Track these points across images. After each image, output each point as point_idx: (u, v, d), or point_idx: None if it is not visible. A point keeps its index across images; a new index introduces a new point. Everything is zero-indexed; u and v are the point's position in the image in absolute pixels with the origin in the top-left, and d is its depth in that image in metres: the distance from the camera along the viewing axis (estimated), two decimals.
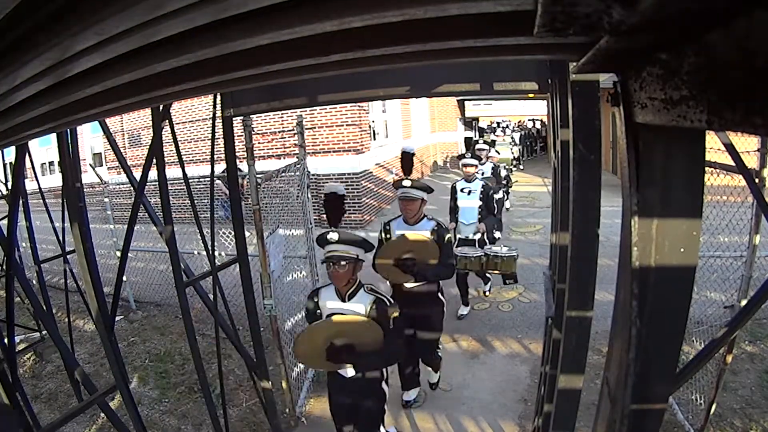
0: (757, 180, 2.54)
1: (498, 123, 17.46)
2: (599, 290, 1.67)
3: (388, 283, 3.40)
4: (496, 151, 8.38)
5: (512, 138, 14.52)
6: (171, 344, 4.88)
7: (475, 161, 5.01)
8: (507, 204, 8.80)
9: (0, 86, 0.98)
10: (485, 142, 7.32)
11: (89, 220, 2.46)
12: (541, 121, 18.76)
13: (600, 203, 1.55)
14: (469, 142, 5.62)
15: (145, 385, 4.16)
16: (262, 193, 3.36)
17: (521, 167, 14.16)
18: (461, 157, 5.09)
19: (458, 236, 4.87)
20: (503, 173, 7.72)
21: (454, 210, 5.05)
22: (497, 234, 7.34)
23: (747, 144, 2.89)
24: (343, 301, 2.37)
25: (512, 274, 3.98)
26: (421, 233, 3.19)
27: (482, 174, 6.38)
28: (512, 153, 13.14)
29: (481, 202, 4.86)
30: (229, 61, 0.93)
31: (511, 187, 9.48)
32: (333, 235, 2.26)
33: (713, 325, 3.21)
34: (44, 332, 4.81)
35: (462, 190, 5.00)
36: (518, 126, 18.66)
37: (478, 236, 4.81)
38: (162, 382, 4.18)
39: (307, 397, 3.73)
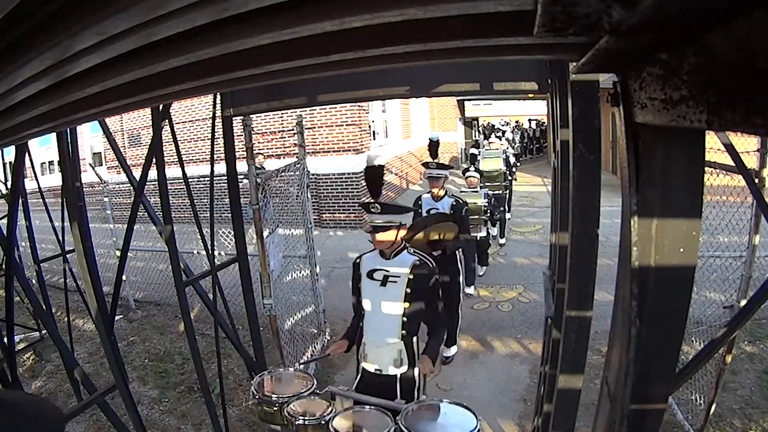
0: (756, 180, 2.55)
1: (493, 126, 14.30)
2: (599, 290, 1.67)
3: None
4: (477, 170, 5.74)
5: (506, 140, 13.41)
6: (171, 344, 4.88)
7: (387, 222, 2.28)
8: (497, 243, 6.60)
9: (0, 86, 0.98)
10: (440, 165, 4.31)
11: (89, 220, 2.46)
12: (537, 121, 18.36)
13: (600, 203, 1.55)
14: (375, 173, 2.45)
15: (145, 385, 4.16)
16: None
17: (513, 177, 8.79)
18: (366, 206, 2.31)
19: (362, 366, 2.39)
20: (481, 200, 5.12)
21: (358, 315, 2.47)
22: (470, 290, 5.01)
23: (747, 144, 2.89)
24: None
25: None
26: None
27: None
28: (508, 158, 9.40)
29: (408, 303, 2.27)
30: (229, 61, 0.93)
31: (504, 222, 6.92)
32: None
33: (713, 325, 3.20)
34: (44, 332, 4.81)
35: (371, 276, 2.36)
36: (516, 126, 18.23)
37: (402, 371, 2.30)
38: (162, 381, 4.18)
39: None
